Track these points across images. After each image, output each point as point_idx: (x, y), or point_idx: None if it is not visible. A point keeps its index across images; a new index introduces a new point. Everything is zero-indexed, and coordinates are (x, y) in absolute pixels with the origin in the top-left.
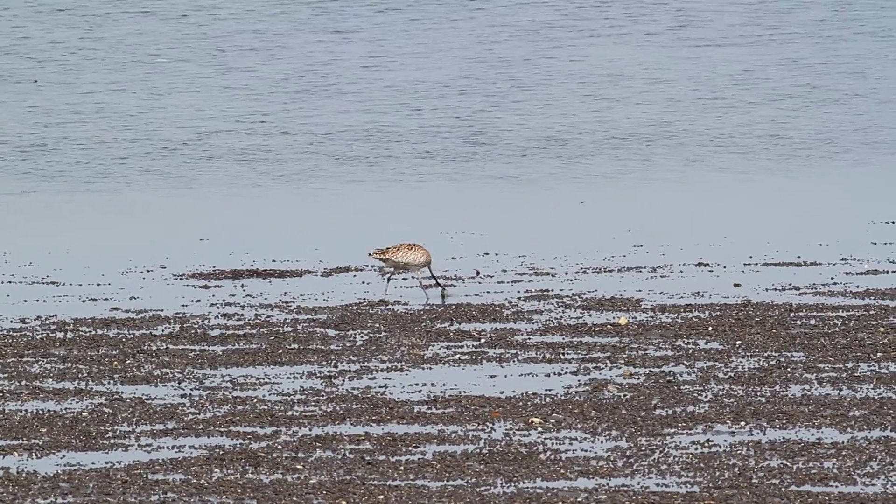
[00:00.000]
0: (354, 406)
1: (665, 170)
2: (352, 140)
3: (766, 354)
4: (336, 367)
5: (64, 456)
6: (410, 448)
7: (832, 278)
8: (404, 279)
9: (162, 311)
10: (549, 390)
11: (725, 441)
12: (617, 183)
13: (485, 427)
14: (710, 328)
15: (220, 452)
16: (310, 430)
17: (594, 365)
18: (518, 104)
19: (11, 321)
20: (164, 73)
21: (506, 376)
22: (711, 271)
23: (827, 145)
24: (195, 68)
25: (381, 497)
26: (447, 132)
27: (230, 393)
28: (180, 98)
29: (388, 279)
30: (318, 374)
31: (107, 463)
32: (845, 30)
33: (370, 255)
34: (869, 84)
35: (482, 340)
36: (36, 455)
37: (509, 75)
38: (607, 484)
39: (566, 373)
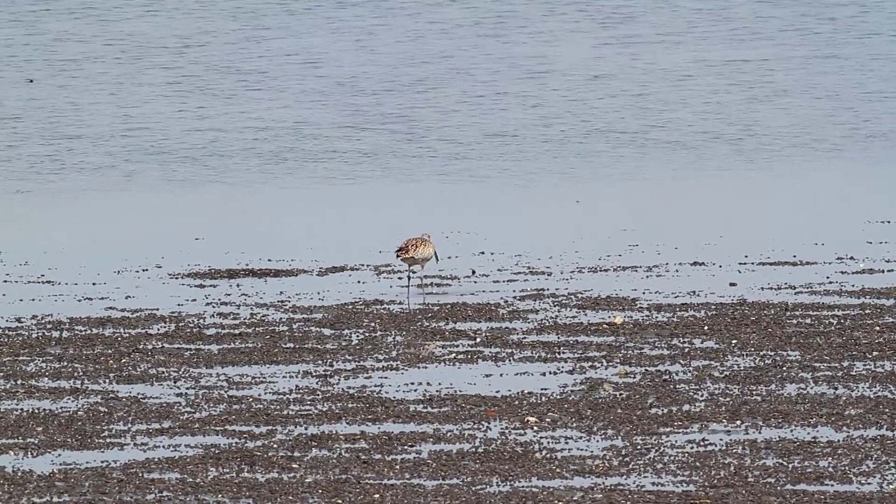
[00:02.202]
0: (350, 405)
1: (652, 168)
2: (299, 138)
3: (761, 353)
4: (332, 366)
5: (60, 455)
6: (406, 447)
7: (828, 277)
8: (399, 278)
9: (157, 310)
10: (545, 389)
11: (721, 440)
12: (610, 182)
13: (480, 426)
14: (706, 327)
15: (216, 451)
16: (305, 429)
17: (590, 364)
18: (461, 101)
19: (7, 320)
20: (130, 74)
21: (501, 375)
22: (707, 270)
23: (805, 142)
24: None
25: (377, 496)
26: (392, 129)
27: (226, 392)
28: (149, 98)
29: (410, 278)
30: (314, 374)
31: (103, 462)
32: (789, 29)
33: (398, 256)
34: (823, 80)
35: (477, 339)
36: (32, 454)
37: (449, 72)
38: (603, 483)
39: (562, 372)
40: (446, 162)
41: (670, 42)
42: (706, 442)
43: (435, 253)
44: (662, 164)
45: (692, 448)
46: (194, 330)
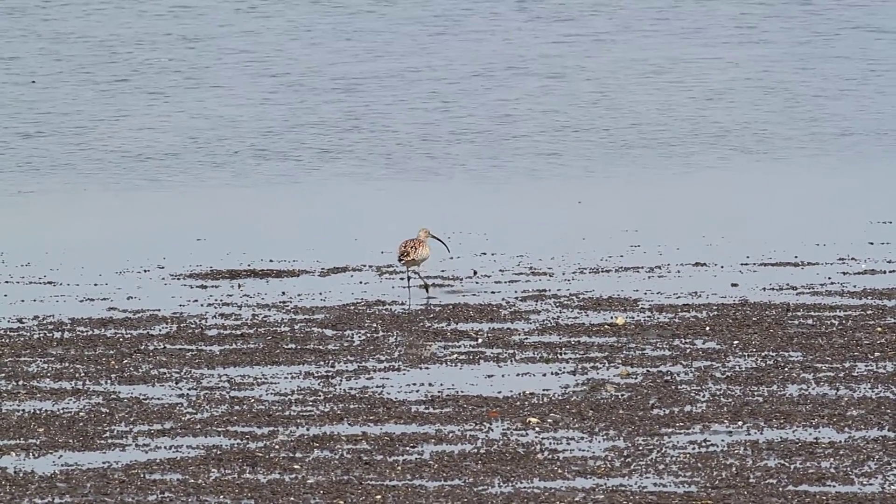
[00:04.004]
0: (352, 406)
1: (651, 168)
2: (273, 135)
3: (763, 354)
4: (333, 366)
5: (61, 456)
6: (408, 448)
7: (829, 278)
8: (401, 279)
9: (159, 310)
10: (547, 390)
11: (723, 441)
12: (612, 182)
13: (482, 427)
14: (708, 328)
15: (218, 452)
16: (307, 429)
17: (592, 365)
18: (426, 99)
19: (9, 321)
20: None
21: (503, 376)
22: (709, 271)
23: (799, 141)
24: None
25: (379, 497)
26: (365, 128)
27: (227, 393)
28: (140, 101)
29: (410, 279)
30: (316, 374)
31: (104, 463)
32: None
33: (401, 261)
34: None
35: (479, 340)
36: (33, 455)
37: (405, 70)
38: (605, 484)
39: (564, 373)
40: (440, 161)
41: (626, 39)
42: (708, 443)
43: (443, 243)
44: (661, 165)
45: (694, 449)
46: (196, 331)
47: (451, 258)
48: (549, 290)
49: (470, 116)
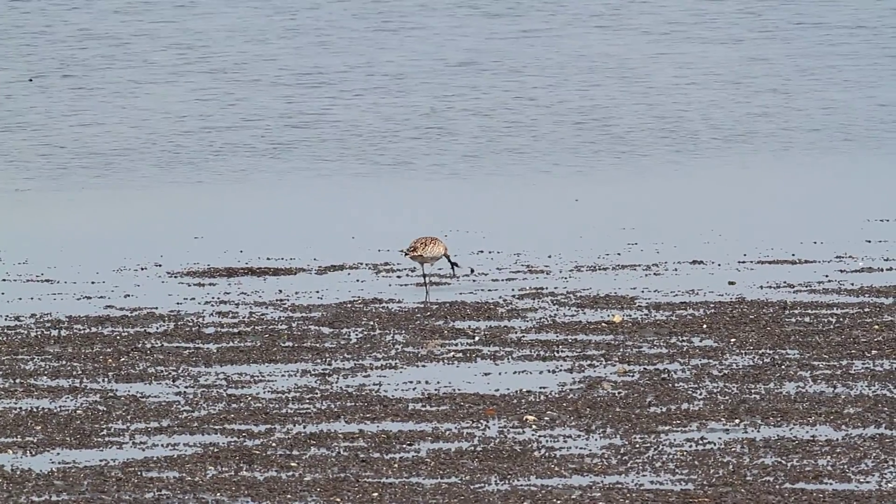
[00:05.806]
0: (349, 404)
1: (650, 167)
2: (239, 131)
3: (760, 352)
4: (330, 364)
5: (58, 454)
6: (405, 446)
7: (827, 276)
8: (398, 276)
9: (156, 308)
10: (544, 388)
11: (720, 438)
12: (609, 181)
13: (479, 425)
14: (705, 326)
15: (215, 450)
16: (304, 427)
17: (588, 363)
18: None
19: (6, 319)
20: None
21: (500, 374)
22: (706, 269)
23: (796, 140)
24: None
25: (376, 494)
26: (345, 126)
27: (225, 391)
28: (137, 97)
29: (425, 277)
30: (313, 372)
31: (101, 461)
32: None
33: (405, 255)
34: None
35: (476, 338)
36: (30, 453)
37: (355, 67)
38: (602, 481)
39: (560, 370)
40: (434, 159)
41: (580, 33)
42: (705, 440)
43: (447, 256)
44: (658, 164)
45: (691, 447)
46: (193, 329)
47: (451, 281)
48: (547, 288)
49: (434, 113)
